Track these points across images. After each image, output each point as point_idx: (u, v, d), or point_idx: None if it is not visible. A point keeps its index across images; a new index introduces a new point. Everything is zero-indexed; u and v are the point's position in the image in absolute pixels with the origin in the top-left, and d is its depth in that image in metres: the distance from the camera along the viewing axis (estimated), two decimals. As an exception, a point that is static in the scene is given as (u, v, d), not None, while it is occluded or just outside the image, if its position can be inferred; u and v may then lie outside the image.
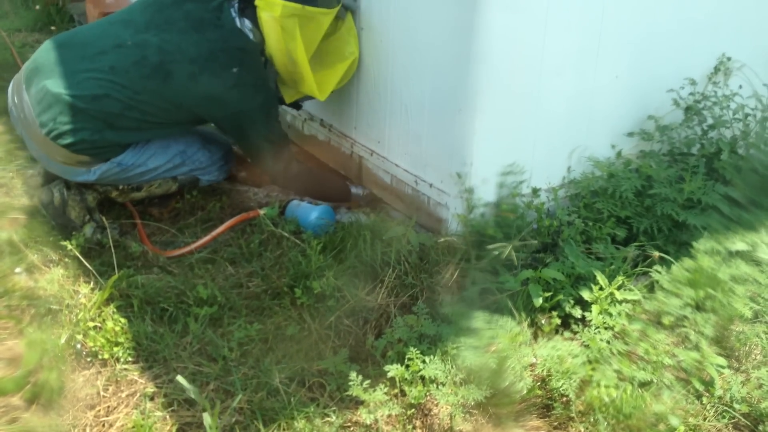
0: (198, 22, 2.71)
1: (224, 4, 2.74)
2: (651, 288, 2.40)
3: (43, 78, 2.66)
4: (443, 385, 2.07)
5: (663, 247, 2.53)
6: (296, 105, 3.19)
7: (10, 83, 2.84)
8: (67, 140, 2.63)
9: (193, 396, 1.98)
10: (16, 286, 2.45)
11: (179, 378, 2.03)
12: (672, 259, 2.44)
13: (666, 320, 2.31)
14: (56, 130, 2.62)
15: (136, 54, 2.66)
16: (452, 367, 2.12)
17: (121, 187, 2.85)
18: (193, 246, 2.78)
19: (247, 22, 2.74)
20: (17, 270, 2.53)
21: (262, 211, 2.89)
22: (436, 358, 2.12)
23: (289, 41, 2.71)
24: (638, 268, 2.44)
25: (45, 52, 2.75)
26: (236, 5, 2.74)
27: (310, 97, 3.02)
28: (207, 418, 1.91)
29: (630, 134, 2.83)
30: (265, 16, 2.69)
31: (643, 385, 2.10)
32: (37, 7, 5.04)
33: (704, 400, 2.11)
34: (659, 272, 2.41)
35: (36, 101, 2.65)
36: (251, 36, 2.75)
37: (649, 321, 2.32)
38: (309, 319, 2.40)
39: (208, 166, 2.98)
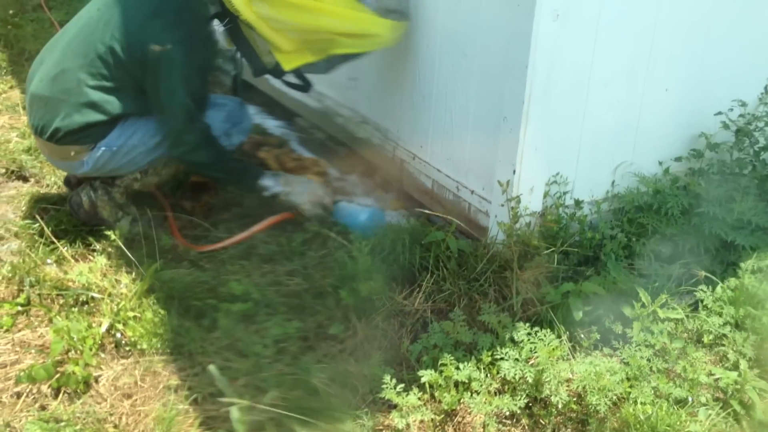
0: None
1: None
2: (695, 307, 2.36)
3: (33, 81, 2.75)
4: (477, 393, 2.06)
5: (709, 267, 2.48)
6: (302, 86, 3.04)
7: None
8: (47, 134, 2.67)
9: (221, 387, 1.98)
10: (47, 277, 2.49)
11: (211, 367, 2.04)
12: (718, 279, 2.40)
13: (706, 339, 2.28)
14: (37, 127, 2.69)
15: (85, 18, 2.71)
16: (488, 375, 2.11)
17: (135, 175, 2.82)
18: (227, 242, 2.77)
19: None
20: (48, 261, 2.58)
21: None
22: (470, 365, 2.11)
23: None
24: (683, 287, 2.40)
25: (44, 50, 2.84)
26: None
27: (314, 67, 2.83)
28: (235, 412, 1.91)
29: (678, 159, 2.79)
30: None
31: (679, 402, 2.06)
32: None
33: (744, 423, 2.07)
34: (704, 291, 2.37)
35: (29, 105, 2.74)
36: None
37: (690, 339, 2.29)
38: (354, 319, 2.39)
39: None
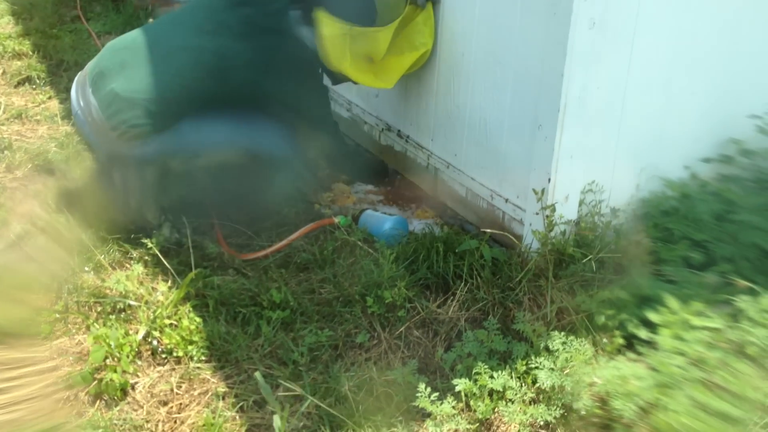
0: (256, 27, 2.73)
1: (285, 11, 2.77)
2: (735, 318, 2.30)
3: (109, 82, 2.70)
4: (512, 402, 2.04)
5: (749, 277, 2.41)
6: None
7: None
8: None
9: (265, 395, 2.00)
10: (85, 284, 2.52)
11: (257, 375, 2.07)
12: (760, 290, 2.33)
13: (751, 350, 2.21)
14: (129, 132, 2.67)
15: (191, 58, 2.69)
16: (523, 384, 2.09)
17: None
18: (269, 250, 2.81)
19: (306, 30, 2.77)
20: (85, 269, 2.61)
21: (336, 219, 2.91)
22: (504, 373, 2.10)
23: (339, 56, 2.76)
24: (719, 295, 2.34)
25: (108, 55, 2.81)
26: (298, 13, 2.78)
27: None
28: (277, 421, 1.93)
29: (706, 160, 2.74)
30: (319, 30, 2.74)
31: (721, 415, 2.01)
32: None
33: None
34: (746, 301, 2.31)
35: (105, 104, 2.68)
36: (308, 44, 2.78)
37: (731, 350, 2.23)
38: (379, 328, 2.40)
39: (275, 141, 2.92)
